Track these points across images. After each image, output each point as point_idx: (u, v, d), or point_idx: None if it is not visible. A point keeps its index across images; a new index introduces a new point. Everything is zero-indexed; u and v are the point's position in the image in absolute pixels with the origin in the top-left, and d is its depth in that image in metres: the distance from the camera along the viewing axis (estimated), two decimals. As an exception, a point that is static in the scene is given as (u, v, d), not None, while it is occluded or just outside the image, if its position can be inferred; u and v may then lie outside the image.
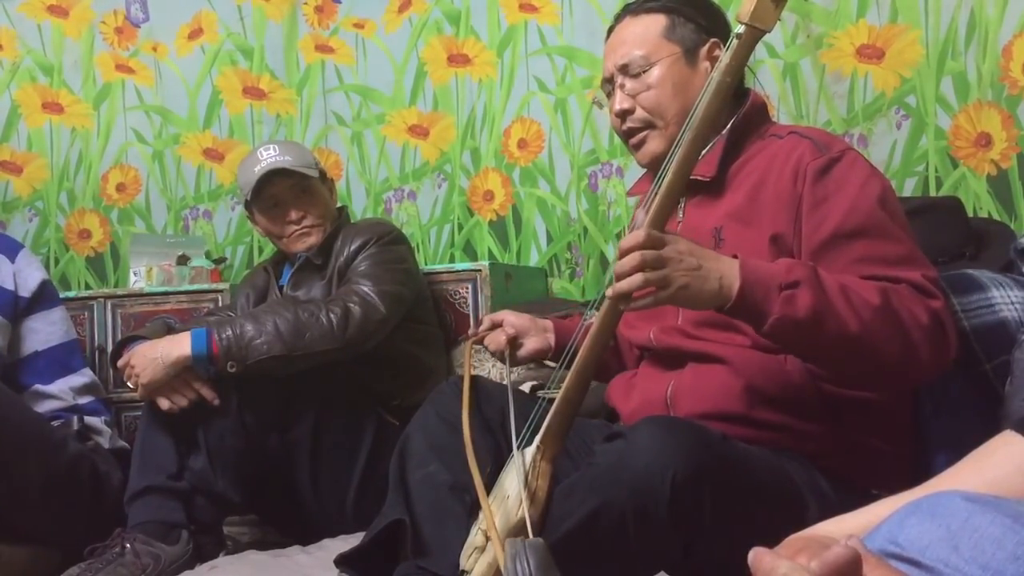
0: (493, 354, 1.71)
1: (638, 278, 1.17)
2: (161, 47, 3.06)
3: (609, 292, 1.20)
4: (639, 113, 1.55)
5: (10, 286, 2.15)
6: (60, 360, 2.21)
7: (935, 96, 2.36)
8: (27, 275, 2.20)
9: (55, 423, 2.10)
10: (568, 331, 1.72)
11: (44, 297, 2.23)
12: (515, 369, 2.14)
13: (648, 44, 1.54)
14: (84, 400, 2.19)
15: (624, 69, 1.55)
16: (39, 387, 2.14)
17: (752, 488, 1.26)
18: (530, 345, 1.68)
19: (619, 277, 1.19)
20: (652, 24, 1.55)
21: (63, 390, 2.17)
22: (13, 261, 2.19)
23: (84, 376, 2.23)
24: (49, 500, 1.94)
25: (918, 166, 2.39)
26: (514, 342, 1.67)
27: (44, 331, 2.20)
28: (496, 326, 1.69)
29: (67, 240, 3.09)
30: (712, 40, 1.53)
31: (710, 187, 1.50)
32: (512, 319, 1.69)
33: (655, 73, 1.53)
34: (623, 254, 1.19)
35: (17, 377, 2.09)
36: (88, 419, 2.16)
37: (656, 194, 1.25)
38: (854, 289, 1.27)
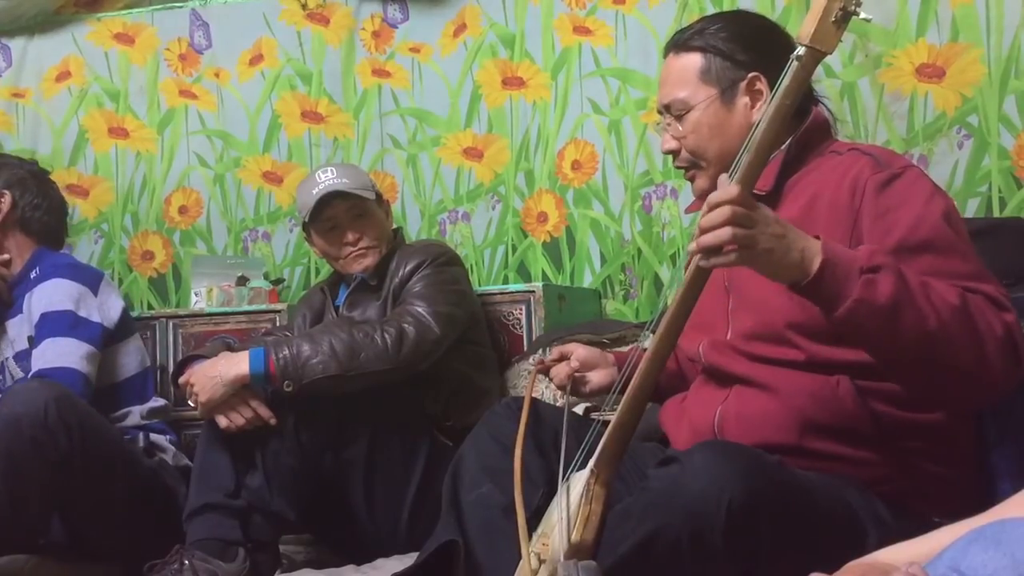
0: (558, 387, 1.72)
1: (726, 231, 1.15)
2: (223, 73, 3.12)
3: (692, 247, 1.18)
4: (683, 154, 1.57)
5: (97, 318, 2.22)
6: (135, 391, 2.30)
7: (998, 115, 2.32)
8: (109, 306, 2.27)
9: (124, 437, 2.17)
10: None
11: (123, 327, 2.30)
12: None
13: (686, 86, 1.54)
14: (151, 421, 2.27)
15: (668, 109, 1.57)
16: (112, 414, 2.21)
17: (809, 514, 1.24)
18: (596, 380, 1.69)
19: (704, 230, 1.16)
20: (689, 64, 1.55)
21: (134, 411, 2.25)
22: (96, 293, 2.26)
23: (155, 402, 2.32)
24: (127, 513, 2.02)
25: (981, 186, 2.34)
26: (579, 378, 1.68)
27: (120, 362, 2.28)
28: (564, 358, 1.70)
29: (130, 261, 3.16)
30: (751, 75, 1.52)
31: (766, 200, 1.48)
32: (581, 352, 1.70)
33: (692, 118, 1.54)
34: (712, 207, 1.16)
35: (94, 406, 2.13)
36: (154, 436, 2.23)
37: (740, 164, 1.22)
38: (934, 286, 1.23)
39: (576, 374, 1.68)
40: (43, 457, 1.89)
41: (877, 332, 1.22)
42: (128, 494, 2.03)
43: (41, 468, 1.90)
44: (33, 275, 2.27)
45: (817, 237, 1.22)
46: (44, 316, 2.17)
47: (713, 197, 1.17)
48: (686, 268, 1.25)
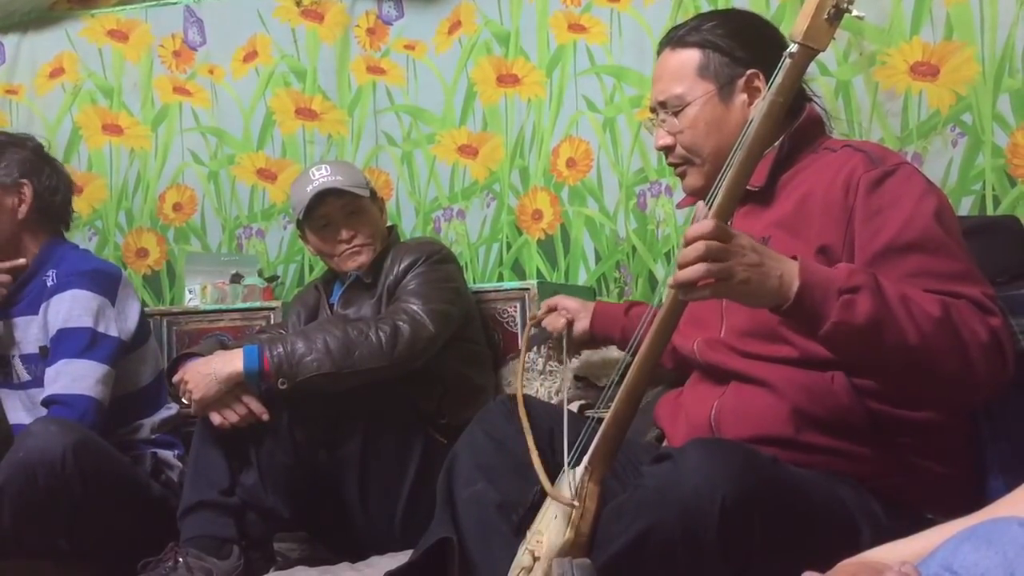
0: (550, 336, 1.95)
1: (700, 268, 1.17)
2: (217, 70, 3.11)
3: (670, 281, 1.20)
4: (678, 150, 1.57)
5: (114, 332, 2.15)
6: (149, 399, 2.26)
7: (992, 114, 2.32)
8: (127, 315, 2.20)
9: (132, 453, 2.15)
10: (608, 315, 1.91)
11: (140, 334, 2.24)
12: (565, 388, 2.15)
13: (684, 82, 1.54)
14: (160, 434, 2.24)
15: (663, 105, 1.57)
16: (122, 428, 2.19)
17: (803, 512, 1.25)
18: (580, 326, 1.92)
19: (682, 266, 1.18)
20: (687, 60, 1.55)
21: (144, 424, 2.23)
22: (115, 301, 2.18)
23: (168, 410, 2.27)
24: (131, 533, 2.01)
25: (975, 184, 2.34)
26: (571, 324, 1.91)
27: (136, 371, 2.24)
28: (553, 310, 1.94)
29: (125, 259, 3.15)
30: (750, 71, 1.52)
31: (759, 196, 1.49)
32: (567, 303, 1.95)
33: (689, 113, 1.54)
34: (688, 242, 1.18)
35: (108, 418, 2.12)
36: (161, 453, 2.20)
37: (717, 193, 1.24)
38: (915, 299, 1.24)
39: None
40: (56, 505, 1.90)
41: (859, 350, 1.25)
42: (134, 522, 2.03)
43: (53, 513, 1.91)
44: (50, 281, 2.17)
45: (794, 258, 1.24)
46: (61, 333, 2.11)
47: (689, 232, 1.18)
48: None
